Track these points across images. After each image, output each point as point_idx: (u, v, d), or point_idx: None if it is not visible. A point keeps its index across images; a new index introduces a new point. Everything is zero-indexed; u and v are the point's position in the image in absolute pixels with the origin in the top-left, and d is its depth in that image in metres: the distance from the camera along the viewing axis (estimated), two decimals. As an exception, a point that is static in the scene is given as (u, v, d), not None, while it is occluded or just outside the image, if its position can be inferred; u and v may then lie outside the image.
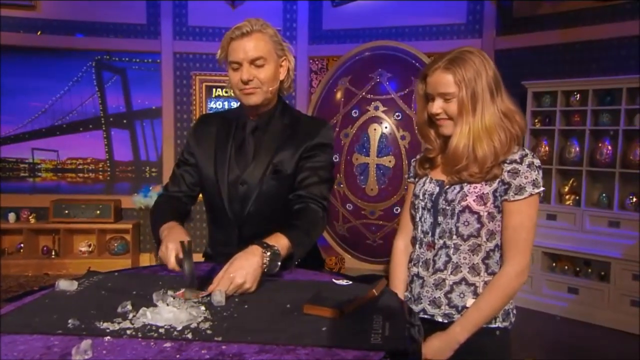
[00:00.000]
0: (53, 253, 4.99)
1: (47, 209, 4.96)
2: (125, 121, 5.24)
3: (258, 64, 1.46)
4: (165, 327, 0.95)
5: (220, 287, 1.15)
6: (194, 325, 0.97)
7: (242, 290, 1.18)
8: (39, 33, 4.97)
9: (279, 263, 1.27)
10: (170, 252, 1.26)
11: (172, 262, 1.25)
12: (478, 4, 4.68)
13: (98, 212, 4.98)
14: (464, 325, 1.33)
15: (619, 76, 3.79)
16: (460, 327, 1.33)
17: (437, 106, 1.37)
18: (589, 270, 3.92)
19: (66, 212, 4.94)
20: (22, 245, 4.95)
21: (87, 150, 5.23)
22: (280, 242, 1.29)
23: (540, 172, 1.35)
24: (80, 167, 5.25)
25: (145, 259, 5.13)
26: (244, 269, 1.19)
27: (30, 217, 5.00)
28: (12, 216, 4.98)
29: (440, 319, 1.39)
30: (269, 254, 1.24)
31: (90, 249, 5.05)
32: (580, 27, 4.12)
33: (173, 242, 1.27)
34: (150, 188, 4.91)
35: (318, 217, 1.49)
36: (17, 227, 4.95)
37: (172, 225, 1.40)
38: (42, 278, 4.72)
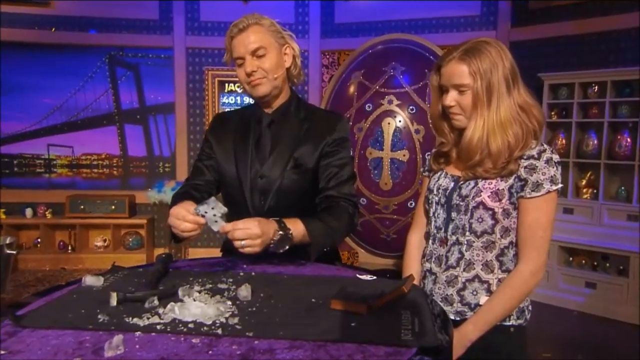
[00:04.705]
0: (69, 248, 5.06)
1: (63, 205, 5.02)
2: (138, 117, 5.28)
3: (259, 54, 1.49)
4: (194, 322, 0.95)
5: (236, 232, 1.23)
6: (222, 320, 0.96)
7: (249, 245, 1.23)
8: (53, 30, 5.00)
9: (287, 247, 1.32)
10: (180, 211, 1.26)
11: (186, 223, 1.25)
12: (492, -5, 4.63)
13: (113, 207, 5.02)
14: (476, 324, 1.30)
15: (637, 67, 3.72)
16: (472, 326, 1.30)
17: (450, 98, 1.33)
18: (607, 264, 3.87)
19: (82, 207, 4.99)
20: (39, 240, 5.01)
21: (102, 146, 5.27)
22: (297, 227, 1.34)
23: (559, 167, 1.30)
24: (95, 162, 5.29)
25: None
26: (261, 229, 1.25)
27: (46, 213, 5.07)
28: (29, 211, 5.04)
29: (452, 317, 1.35)
30: (280, 233, 1.30)
31: (105, 244, 5.10)
32: (597, 18, 4.06)
33: (179, 206, 1.28)
34: (164, 183, 4.93)
35: (347, 213, 1.51)
36: (34, 222, 5.01)
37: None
38: (59, 273, 4.79)
